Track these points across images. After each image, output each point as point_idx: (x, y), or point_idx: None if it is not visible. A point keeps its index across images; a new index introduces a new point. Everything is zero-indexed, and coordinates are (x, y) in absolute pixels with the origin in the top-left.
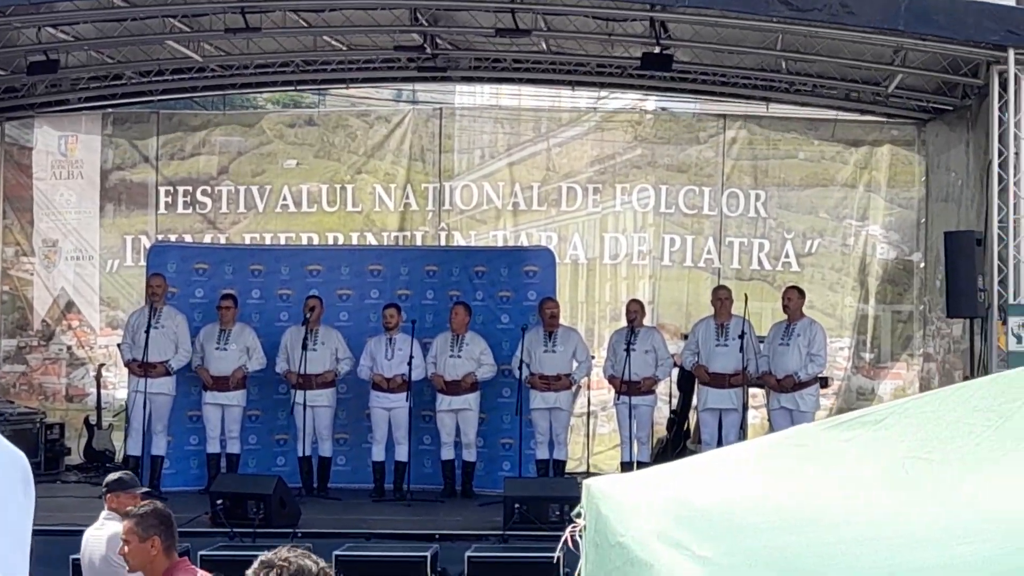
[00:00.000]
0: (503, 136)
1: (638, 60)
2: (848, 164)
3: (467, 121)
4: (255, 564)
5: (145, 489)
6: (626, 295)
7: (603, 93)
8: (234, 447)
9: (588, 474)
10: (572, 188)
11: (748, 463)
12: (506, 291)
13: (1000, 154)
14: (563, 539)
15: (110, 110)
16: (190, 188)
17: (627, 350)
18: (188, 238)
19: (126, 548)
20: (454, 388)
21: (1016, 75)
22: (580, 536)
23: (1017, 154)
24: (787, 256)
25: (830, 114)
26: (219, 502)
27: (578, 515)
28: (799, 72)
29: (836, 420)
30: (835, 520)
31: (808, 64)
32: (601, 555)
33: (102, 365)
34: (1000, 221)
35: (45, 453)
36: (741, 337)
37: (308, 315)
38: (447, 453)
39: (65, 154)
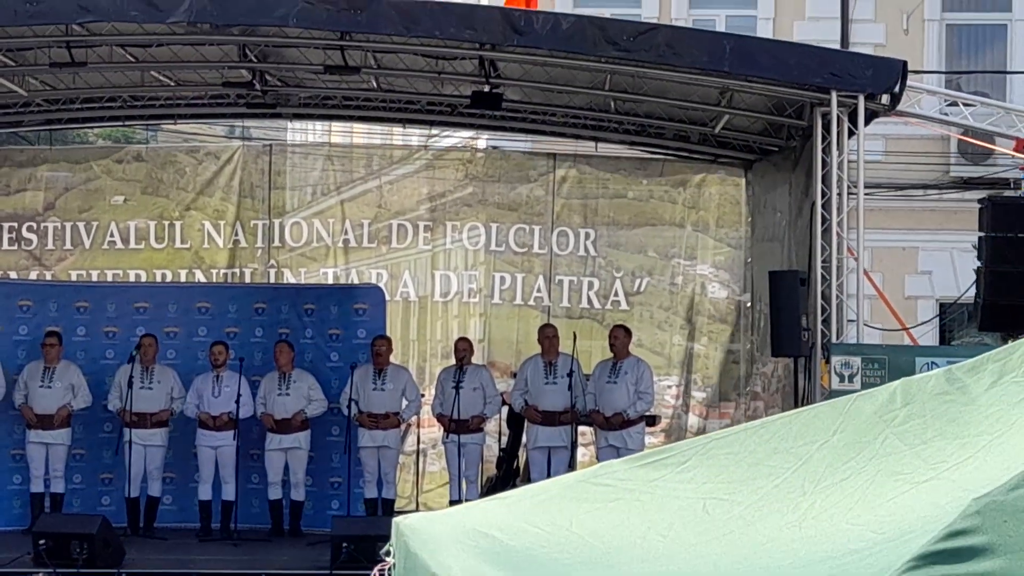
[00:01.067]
0: (334, 173)
1: (468, 98)
2: (676, 203)
3: (298, 158)
4: None
5: None
6: (457, 333)
7: (434, 131)
8: (58, 486)
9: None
10: (403, 226)
11: (554, 500)
12: (336, 329)
13: (823, 194)
14: None
15: None
16: (15, 224)
17: (456, 388)
18: (13, 275)
19: None
20: (284, 426)
21: (839, 117)
22: (389, 574)
23: (840, 195)
24: (616, 295)
25: (659, 154)
26: (42, 542)
27: (387, 553)
28: (628, 112)
29: (641, 458)
30: (635, 557)
31: (636, 104)
32: None
33: None
34: (823, 261)
35: None
36: (570, 375)
37: (135, 353)
38: (275, 492)
39: None
